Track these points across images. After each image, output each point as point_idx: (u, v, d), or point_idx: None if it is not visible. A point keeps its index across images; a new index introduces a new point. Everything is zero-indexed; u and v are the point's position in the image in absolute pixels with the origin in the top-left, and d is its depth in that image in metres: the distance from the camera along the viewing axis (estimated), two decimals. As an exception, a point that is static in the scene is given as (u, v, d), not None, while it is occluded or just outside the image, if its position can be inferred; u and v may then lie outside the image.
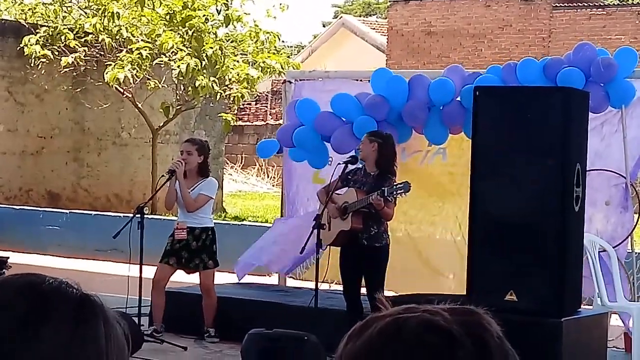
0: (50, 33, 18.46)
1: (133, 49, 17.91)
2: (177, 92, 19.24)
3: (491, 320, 1.40)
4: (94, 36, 18.26)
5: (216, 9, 18.43)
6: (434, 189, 10.62)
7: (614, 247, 9.33)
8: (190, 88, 18.18)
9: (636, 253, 10.13)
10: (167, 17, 18.29)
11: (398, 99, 9.95)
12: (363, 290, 9.04)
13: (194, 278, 9.88)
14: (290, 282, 11.90)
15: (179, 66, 17.61)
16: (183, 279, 10.19)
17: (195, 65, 17.53)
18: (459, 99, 9.76)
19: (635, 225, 9.84)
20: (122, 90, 18.75)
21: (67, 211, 17.53)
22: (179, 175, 9.45)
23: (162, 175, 9.60)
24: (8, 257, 10.85)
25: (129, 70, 17.63)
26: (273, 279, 12.13)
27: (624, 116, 9.58)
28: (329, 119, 10.15)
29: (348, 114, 10.06)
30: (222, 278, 12.63)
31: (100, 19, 18.13)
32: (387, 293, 9.15)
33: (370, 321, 1.41)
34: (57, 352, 1.41)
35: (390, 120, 9.95)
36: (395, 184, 8.67)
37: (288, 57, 22.00)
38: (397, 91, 9.98)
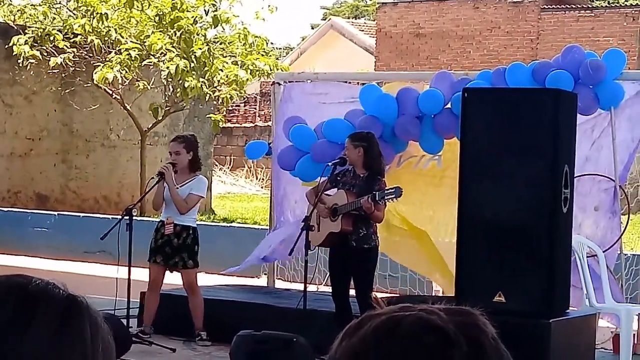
0: (39, 34, 18.41)
1: (122, 50, 17.88)
2: (166, 93, 19.21)
3: (487, 322, 1.41)
4: (82, 37, 18.23)
5: (204, 11, 18.42)
6: (427, 195, 10.60)
7: (603, 252, 9.34)
8: (179, 89, 18.15)
9: (625, 255, 10.16)
10: (156, 18, 18.26)
11: (389, 116, 9.96)
12: (352, 291, 9.04)
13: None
14: (279, 284, 11.90)
15: (167, 67, 17.58)
16: (170, 280, 10.17)
17: (184, 67, 17.51)
18: (449, 106, 9.77)
19: (625, 228, 9.86)
20: (110, 92, 18.72)
21: (56, 213, 17.49)
22: (167, 178, 9.43)
23: (152, 178, 9.57)
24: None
25: (117, 71, 17.59)
26: (262, 281, 12.13)
27: (613, 118, 9.59)
28: (326, 148, 10.15)
29: (342, 138, 10.04)
30: (211, 280, 12.63)
31: (89, 20, 18.09)
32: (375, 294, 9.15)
33: (366, 319, 1.41)
34: (42, 353, 1.41)
35: (385, 137, 9.96)
36: (386, 188, 8.66)
37: (277, 58, 21.98)
38: (387, 108, 9.98)
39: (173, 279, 10.12)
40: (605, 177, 9.64)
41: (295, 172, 10.45)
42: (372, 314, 1.42)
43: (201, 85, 17.76)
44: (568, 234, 8.37)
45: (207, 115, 20.26)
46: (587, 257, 9.11)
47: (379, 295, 9.30)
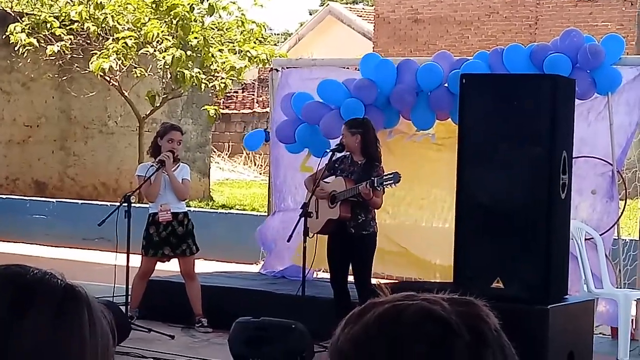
0: (36, 21, 18.38)
1: (118, 38, 17.84)
2: (164, 80, 19.18)
3: (489, 313, 1.42)
4: (79, 24, 18.19)
5: (200, -1, 18.37)
6: (422, 170, 10.56)
7: (600, 235, 9.35)
8: (176, 76, 18.10)
9: (623, 240, 10.16)
10: (153, 5, 18.22)
11: (386, 83, 9.96)
12: (350, 278, 9.04)
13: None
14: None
15: (164, 57, 17.55)
16: (168, 267, 10.18)
17: (180, 56, 17.46)
18: (446, 84, 9.77)
19: (622, 213, 9.86)
20: (108, 79, 18.70)
21: (54, 200, 17.49)
22: (167, 166, 9.45)
23: (152, 166, 9.58)
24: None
25: (114, 59, 17.56)
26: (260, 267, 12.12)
27: (610, 103, 9.59)
28: (317, 108, 10.14)
29: (336, 100, 10.05)
30: (209, 267, 12.64)
31: (86, 7, 18.06)
32: (374, 280, 9.16)
33: (369, 307, 1.42)
34: (40, 342, 1.41)
35: (378, 104, 9.94)
36: (384, 174, 8.66)
37: (275, 44, 21.92)
38: (386, 75, 9.98)
39: (169, 267, 10.12)
40: (602, 160, 9.63)
41: (297, 144, 10.41)
42: (376, 301, 1.43)
43: (196, 75, 17.72)
44: (566, 219, 8.37)
45: (203, 108, 20.20)
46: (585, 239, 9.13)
47: (377, 280, 9.31)
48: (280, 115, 10.81)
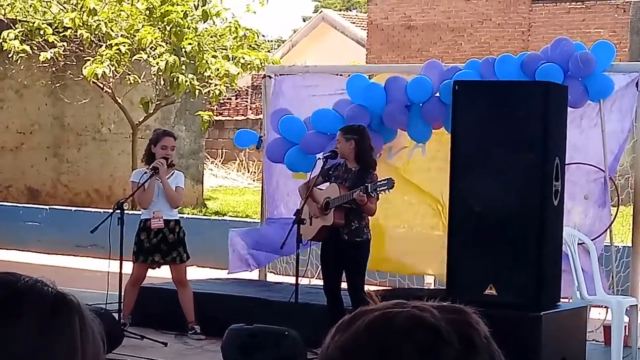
0: (29, 28, 18.36)
1: (112, 45, 17.83)
2: (157, 87, 19.17)
3: (479, 320, 1.41)
4: (72, 31, 18.18)
5: (194, 5, 18.36)
6: (415, 189, 10.56)
7: (591, 240, 9.36)
8: (170, 83, 18.09)
9: (616, 247, 10.17)
10: (147, 12, 18.22)
11: (377, 105, 9.94)
12: (343, 285, 9.04)
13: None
14: (271, 277, 11.90)
15: (157, 63, 17.54)
16: (161, 274, 10.17)
17: (174, 62, 17.46)
18: (437, 94, 9.76)
19: (614, 219, 9.87)
20: (101, 86, 18.69)
21: (47, 207, 17.46)
22: (161, 173, 9.44)
23: (145, 172, 9.57)
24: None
25: (107, 65, 17.55)
26: (253, 274, 12.11)
27: (603, 110, 9.60)
28: (315, 139, 10.13)
29: (331, 128, 10.02)
30: (203, 273, 12.63)
31: (79, 14, 18.05)
32: (366, 288, 9.15)
33: (359, 314, 1.42)
34: (31, 349, 1.41)
35: (373, 127, 9.94)
36: (378, 180, 8.66)
37: (268, 51, 21.91)
38: (375, 97, 9.96)
39: (160, 274, 10.12)
40: (595, 167, 9.65)
41: (284, 164, 10.44)
42: (366, 309, 1.42)
43: (191, 80, 17.72)
44: (559, 226, 8.38)
45: (197, 114, 20.18)
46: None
47: (368, 288, 9.30)
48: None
